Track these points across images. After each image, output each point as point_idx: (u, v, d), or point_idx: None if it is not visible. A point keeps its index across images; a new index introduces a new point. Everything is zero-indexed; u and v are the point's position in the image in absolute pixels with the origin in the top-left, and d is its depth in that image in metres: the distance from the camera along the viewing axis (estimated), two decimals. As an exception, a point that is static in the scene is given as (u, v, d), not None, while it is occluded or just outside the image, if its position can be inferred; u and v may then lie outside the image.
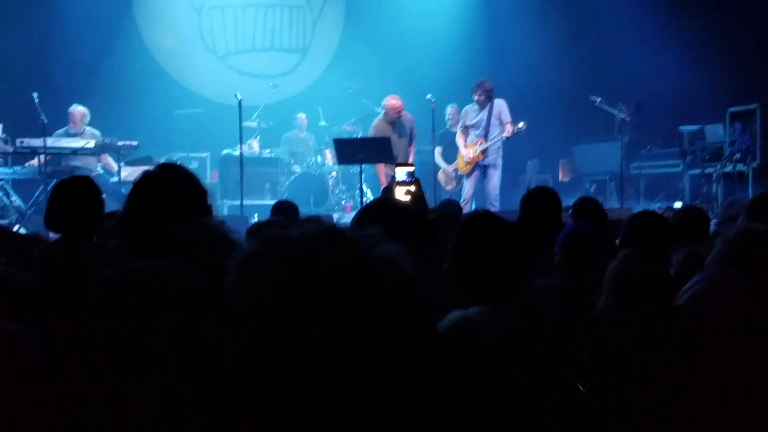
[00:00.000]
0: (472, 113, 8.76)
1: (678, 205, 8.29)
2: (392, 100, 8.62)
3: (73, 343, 1.46)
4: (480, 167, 8.73)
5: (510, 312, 1.88)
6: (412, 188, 3.42)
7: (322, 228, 0.85)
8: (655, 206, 8.77)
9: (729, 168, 8.72)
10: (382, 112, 8.75)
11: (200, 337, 1.38)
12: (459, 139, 8.87)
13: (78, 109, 8.56)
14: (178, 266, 1.47)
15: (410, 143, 8.71)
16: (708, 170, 9.16)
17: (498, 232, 2.05)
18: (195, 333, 1.36)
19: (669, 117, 10.26)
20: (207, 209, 2.09)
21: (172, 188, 2.06)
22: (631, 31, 10.95)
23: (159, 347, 1.33)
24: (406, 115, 8.65)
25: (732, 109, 8.99)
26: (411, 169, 3.62)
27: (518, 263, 2.03)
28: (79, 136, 8.37)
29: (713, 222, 4.08)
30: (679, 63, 10.37)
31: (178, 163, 2.29)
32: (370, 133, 8.76)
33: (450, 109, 9.80)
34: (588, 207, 4.15)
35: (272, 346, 0.78)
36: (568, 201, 5.55)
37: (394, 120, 8.55)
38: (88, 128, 8.60)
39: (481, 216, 2.16)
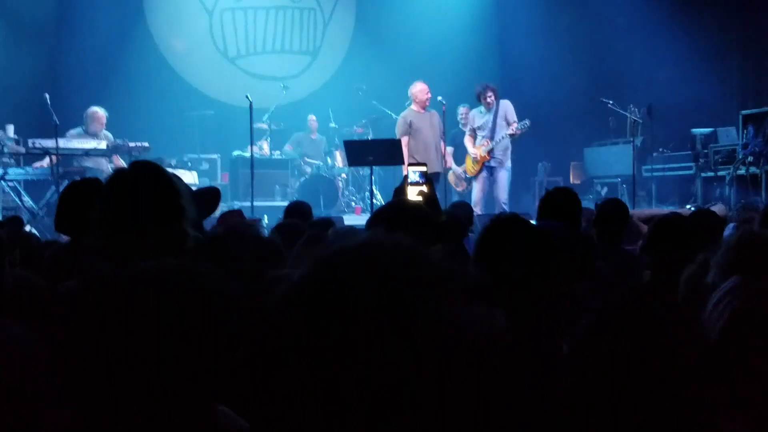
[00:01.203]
0: (478, 116, 8.82)
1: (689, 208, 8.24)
2: (420, 85, 8.65)
3: (85, 344, 1.45)
4: (488, 169, 8.73)
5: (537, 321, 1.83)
6: (425, 189, 3.38)
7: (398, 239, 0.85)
8: (667, 209, 8.72)
9: (742, 171, 8.67)
10: (410, 102, 8.76)
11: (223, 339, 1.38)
12: (467, 142, 8.92)
13: (101, 112, 8.59)
14: (205, 267, 1.47)
15: (441, 138, 8.73)
16: (721, 173, 9.11)
17: (527, 238, 1.99)
18: (219, 334, 1.36)
19: (681, 120, 10.20)
20: (180, 210, 2.02)
21: (143, 188, 2.01)
22: (643, 33, 10.90)
23: (176, 348, 1.32)
24: (434, 113, 8.69)
25: (744, 112, 8.96)
26: (423, 169, 3.58)
27: (550, 270, 1.96)
28: (94, 138, 8.40)
29: (730, 226, 4.03)
30: (692, 65, 10.31)
31: (153, 161, 2.23)
32: (398, 123, 8.74)
33: (462, 109, 9.79)
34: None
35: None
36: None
37: (424, 108, 8.59)
38: (102, 131, 8.66)
39: (507, 220, 2.09)
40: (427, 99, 8.58)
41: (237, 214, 4.76)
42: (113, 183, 2.06)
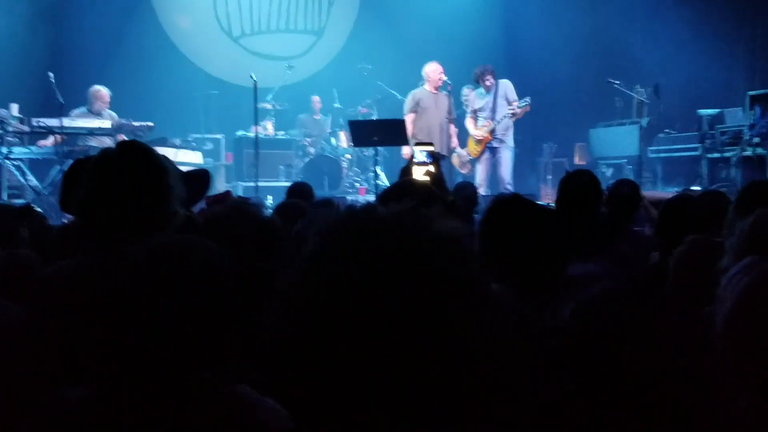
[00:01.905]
0: (478, 98, 8.78)
1: (696, 188, 8.20)
2: (434, 65, 8.61)
3: (88, 322, 1.45)
4: (490, 149, 8.70)
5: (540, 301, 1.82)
6: (432, 168, 3.35)
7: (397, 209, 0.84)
8: (672, 191, 8.69)
9: (748, 152, 8.62)
10: (424, 81, 8.72)
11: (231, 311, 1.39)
12: (468, 123, 8.89)
13: (104, 90, 8.57)
14: (203, 242, 1.46)
15: (450, 120, 8.70)
16: (727, 154, 9.06)
17: (529, 217, 1.97)
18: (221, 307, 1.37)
19: (688, 100, 10.14)
20: (167, 189, 2.00)
21: (129, 167, 1.98)
22: (650, 13, 10.82)
23: (181, 319, 1.32)
24: (445, 94, 8.63)
25: (752, 93, 8.87)
26: (430, 148, 3.55)
27: (550, 250, 1.94)
28: (98, 117, 8.39)
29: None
30: (699, 46, 10.23)
31: (139, 141, 2.20)
32: (407, 100, 8.71)
33: (465, 90, 9.70)
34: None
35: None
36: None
37: (437, 89, 8.54)
38: (106, 109, 8.64)
39: (510, 200, 2.06)
40: (440, 79, 8.54)
41: (225, 195, 4.73)
42: (99, 162, 2.03)
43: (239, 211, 2.48)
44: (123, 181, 1.96)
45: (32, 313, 1.94)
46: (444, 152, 8.53)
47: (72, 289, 1.75)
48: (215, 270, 1.43)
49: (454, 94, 8.97)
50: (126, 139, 8.34)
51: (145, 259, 1.39)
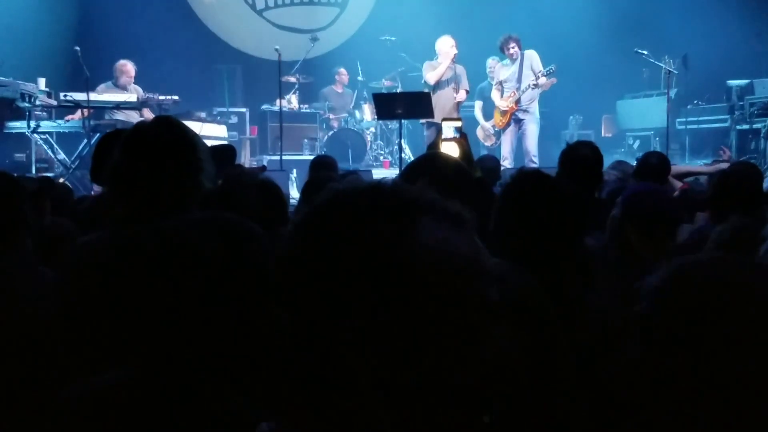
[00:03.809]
0: (504, 69, 8.66)
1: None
2: (447, 39, 8.49)
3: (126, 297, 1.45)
4: (516, 121, 8.61)
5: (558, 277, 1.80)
6: (459, 144, 3.33)
7: (378, 183, 0.84)
8: (701, 162, 8.58)
9: (778, 124, 8.50)
10: (437, 56, 8.62)
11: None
12: (494, 95, 8.78)
13: (130, 65, 8.62)
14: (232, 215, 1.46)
15: (460, 89, 8.59)
16: (756, 125, 8.93)
17: (548, 193, 1.94)
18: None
19: (716, 71, 9.97)
20: (199, 164, 2.02)
21: (163, 141, 2.00)
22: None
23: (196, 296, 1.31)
24: (458, 67, 8.52)
25: (784, 63, 8.73)
26: (458, 124, 3.52)
27: (570, 226, 1.92)
28: (124, 91, 8.46)
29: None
30: (728, 15, 10.04)
31: (174, 117, 2.24)
32: (424, 67, 8.61)
33: (490, 62, 9.60)
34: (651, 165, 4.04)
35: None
36: (610, 157, 5.45)
37: (453, 61, 8.43)
38: (132, 84, 8.71)
39: (530, 175, 2.03)
40: (454, 54, 8.43)
41: (261, 169, 4.77)
42: (134, 135, 2.06)
43: (235, 181, 2.50)
44: (156, 154, 1.98)
45: (66, 282, 1.96)
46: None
47: (108, 261, 1.76)
48: (255, 245, 1.41)
49: (480, 65, 8.89)
50: (151, 112, 8.42)
51: (186, 233, 1.37)
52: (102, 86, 8.54)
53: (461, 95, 8.46)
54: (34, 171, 7.71)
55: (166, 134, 2.03)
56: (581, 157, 3.54)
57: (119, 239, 1.85)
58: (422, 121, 8.55)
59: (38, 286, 2.09)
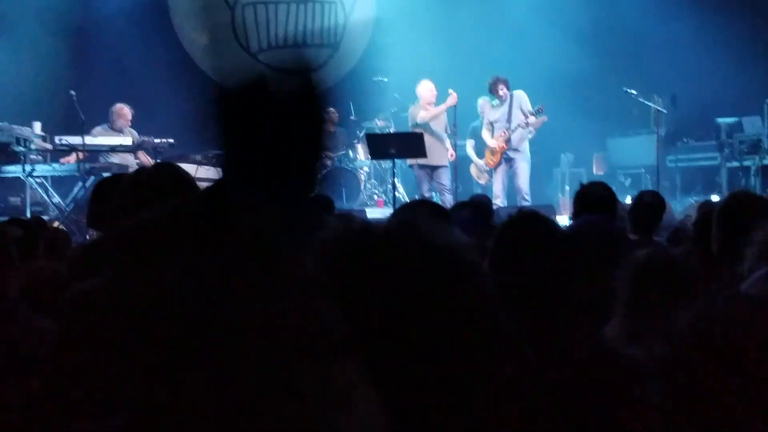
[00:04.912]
0: (492, 110, 8.82)
1: (715, 198, 8.16)
2: (426, 84, 8.65)
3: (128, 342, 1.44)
4: (507, 160, 8.71)
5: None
6: None
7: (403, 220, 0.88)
8: (692, 200, 8.65)
9: (767, 161, 8.58)
10: (418, 101, 8.76)
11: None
12: (484, 134, 8.93)
13: (127, 109, 8.70)
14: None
15: (450, 131, 8.74)
16: (746, 163, 9.02)
17: (544, 239, 1.86)
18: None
19: (706, 109, 10.10)
20: None
21: (165, 188, 2.04)
22: (666, 22, 10.79)
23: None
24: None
25: (771, 101, 8.85)
26: None
27: (565, 277, 1.83)
28: (119, 134, 8.51)
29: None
30: (716, 54, 10.19)
31: (172, 163, 2.30)
32: (410, 112, 8.75)
33: (481, 101, 9.73)
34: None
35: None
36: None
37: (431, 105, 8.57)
38: (128, 127, 8.77)
39: (527, 219, 1.94)
40: (434, 97, 8.59)
41: None
42: (135, 180, 2.11)
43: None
44: (157, 200, 2.00)
45: (65, 331, 1.95)
46: (445, 163, 8.61)
47: (110, 308, 1.76)
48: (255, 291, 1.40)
49: (471, 104, 9.00)
50: (147, 155, 8.45)
51: (190, 279, 1.36)
52: (98, 128, 8.60)
53: (451, 153, 8.71)
54: (29, 214, 7.72)
55: (167, 179, 2.07)
56: (596, 197, 3.61)
57: (123, 286, 1.86)
58: (409, 163, 8.68)
59: (25, 332, 2.09)
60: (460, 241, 0.87)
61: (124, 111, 8.65)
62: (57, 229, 5.13)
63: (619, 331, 2.28)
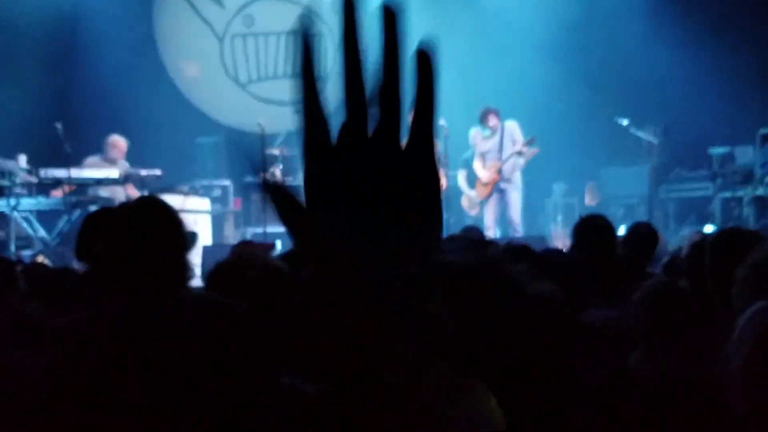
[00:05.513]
0: (484, 141, 8.79)
1: (709, 229, 8.11)
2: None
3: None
4: (499, 191, 8.67)
5: None
6: None
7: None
8: (686, 231, 8.60)
9: (760, 191, 8.55)
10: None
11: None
12: (476, 165, 8.88)
13: (122, 141, 8.63)
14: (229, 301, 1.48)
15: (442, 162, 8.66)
16: (739, 193, 8.99)
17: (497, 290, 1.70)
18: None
19: (698, 139, 10.09)
20: (184, 245, 2.09)
21: (152, 223, 2.06)
22: (658, 53, 10.84)
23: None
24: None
25: (763, 131, 8.85)
26: None
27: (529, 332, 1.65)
28: (112, 165, 8.42)
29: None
30: (708, 84, 10.22)
31: (158, 198, 2.31)
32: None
33: (473, 132, 9.69)
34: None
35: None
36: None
37: None
38: (121, 159, 8.69)
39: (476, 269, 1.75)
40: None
41: (248, 244, 4.73)
42: (122, 215, 2.12)
43: (245, 260, 2.52)
44: (144, 234, 2.03)
45: (51, 367, 1.92)
46: None
47: (96, 343, 1.74)
48: (240, 325, 1.45)
49: (463, 134, 8.95)
50: (134, 188, 8.37)
51: (176, 314, 1.40)
52: (91, 159, 8.50)
53: (443, 181, 8.65)
54: (13, 248, 7.57)
55: (154, 214, 2.08)
56: (595, 229, 3.60)
57: (113, 319, 1.85)
58: None
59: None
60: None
61: (119, 143, 8.56)
62: (38, 264, 5.00)
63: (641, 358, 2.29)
